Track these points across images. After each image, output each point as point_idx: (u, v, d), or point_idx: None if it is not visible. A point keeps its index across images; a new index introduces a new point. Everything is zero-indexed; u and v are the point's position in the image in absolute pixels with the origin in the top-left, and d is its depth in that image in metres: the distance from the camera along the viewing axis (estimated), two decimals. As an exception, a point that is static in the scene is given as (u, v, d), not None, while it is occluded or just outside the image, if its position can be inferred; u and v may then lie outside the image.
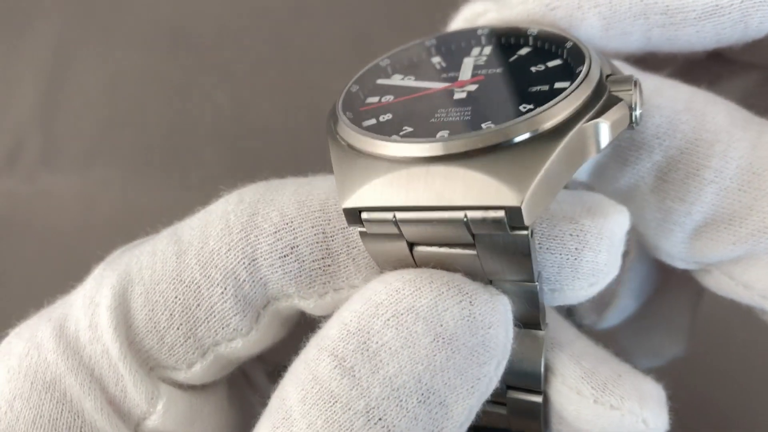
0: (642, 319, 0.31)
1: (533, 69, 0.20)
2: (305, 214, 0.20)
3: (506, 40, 0.22)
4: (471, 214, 0.16)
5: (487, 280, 0.18)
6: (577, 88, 0.18)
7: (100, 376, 0.20)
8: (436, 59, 0.23)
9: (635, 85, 0.18)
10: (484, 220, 0.16)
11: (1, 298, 0.42)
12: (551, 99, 0.17)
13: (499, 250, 0.17)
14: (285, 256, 0.20)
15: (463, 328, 0.17)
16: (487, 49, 0.22)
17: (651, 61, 0.24)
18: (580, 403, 0.20)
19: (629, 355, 0.32)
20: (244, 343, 0.21)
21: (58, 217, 0.47)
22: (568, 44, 0.20)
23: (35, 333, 0.20)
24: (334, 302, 0.20)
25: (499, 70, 0.21)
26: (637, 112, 0.18)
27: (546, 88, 0.19)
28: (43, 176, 0.49)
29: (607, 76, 0.19)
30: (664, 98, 0.21)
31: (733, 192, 0.21)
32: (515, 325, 0.18)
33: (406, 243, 0.18)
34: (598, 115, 0.17)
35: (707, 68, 0.27)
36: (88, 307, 0.20)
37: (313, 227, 0.20)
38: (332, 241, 0.20)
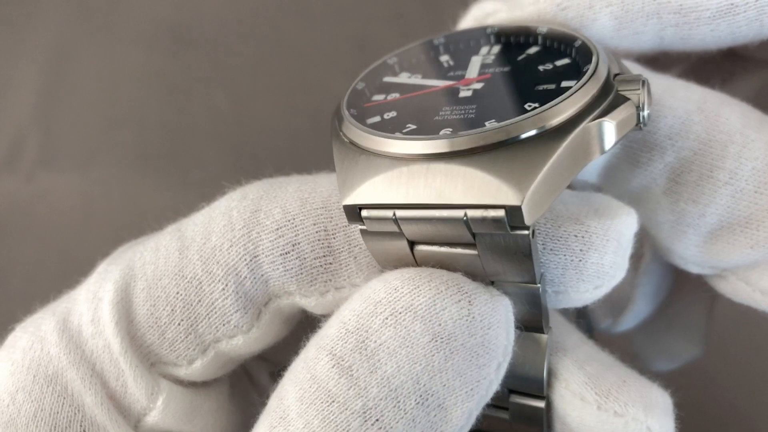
0: (657, 322, 0.31)
1: (541, 68, 0.20)
2: (307, 212, 0.20)
3: (515, 39, 0.22)
4: (471, 213, 0.16)
5: (488, 280, 0.18)
6: (582, 86, 0.17)
7: (102, 371, 0.20)
8: (444, 57, 0.22)
9: (643, 84, 0.18)
10: (484, 220, 0.16)
11: (1, 298, 0.42)
12: (558, 97, 0.17)
13: (499, 251, 0.17)
14: (286, 254, 0.20)
15: (462, 328, 0.17)
16: (496, 48, 0.22)
17: (663, 59, 0.23)
18: (584, 409, 0.20)
19: (645, 358, 0.32)
20: (245, 340, 0.21)
21: (57, 217, 0.47)
22: (577, 43, 0.20)
23: (40, 326, 0.20)
24: (336, 301, 0.20)
25: (506, 69, 0.20)
26: (645, 113, 0.18)
27: (553, 86, 0.19)
28: (43, 176, 0.49)
29: (615, 75, 0.18)
30: (677, 99, 0.21)
31: (749, 194, 0.20)
32: (516, 327, 0.18)
33: (406, 241, 0.18)
34: (604, 114, 0.17)
35: (721, 65, 0.27)
36: (91, 302, 0.20)
37: (314, 224, 0.20)
38: (334, 239, 0.20)
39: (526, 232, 0.16)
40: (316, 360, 0.17)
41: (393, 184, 0.17)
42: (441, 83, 0.21)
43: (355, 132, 0.19)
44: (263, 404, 0.18)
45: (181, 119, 0.49)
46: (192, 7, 0.53)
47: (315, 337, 0.18)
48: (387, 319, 0.17)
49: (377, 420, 0.16)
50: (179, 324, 0.20)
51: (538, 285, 0.18)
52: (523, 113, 0.17)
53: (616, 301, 0.29)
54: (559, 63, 0.20)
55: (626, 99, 0.18)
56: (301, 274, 0.20)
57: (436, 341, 0.16)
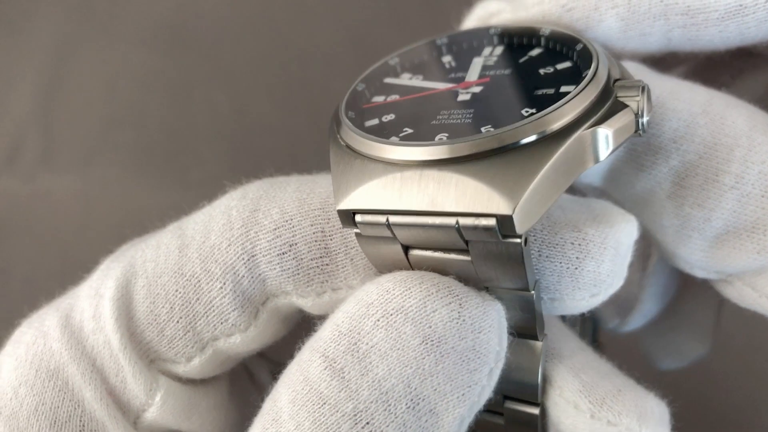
0: (665, 321, 0.31)
1: (542, 71, 0.20)
2: (305, 212, 0.20)
3: (518, 40, 0.21)
4: (462, 220, 0.16)
5: (482, 286, 0.18)
6: (580, 92, 0.17)
7: (102, 367, 0.20)
8: (446, 58, 0.22)
9: (643, 91, 0.17)
10: (475, 228, 0.16)
11: (1, 298, 0.42)
12: (555, 103, 0.17)
13: (492, 258, 0.17)
14: (283, 254, 0.20)
15: (452, 331, 0.16)
16: (498, 50, 0.22)
17: (670, 58, 0.23)
18: (577, 417, 0.19)
19: (652, 358, 0.31)
20: (242, 338, 0.21)
21: (57, 217, 0.47)
22: (579, 46, 0.20)
23: (43, 322, 0.21)
24: (332, 302, 0.20)
25: (506, 72, 0.20)
26: (644, 119, 0.17)
27: (552, 91, 0.18)
28: (43, 176, 0.49)
29: (615, 80, 0.18)
30: (681, 101, 0.20)
31: (756, 198, 0.20)
32: (509, 333, 0.18)
33: (400, 246, 0.18)
34: (602, 121, 0.17)
35: (729, 63, 0.26)
36: (92, 298, 0.20)
37: (312, 225, 0.20)
38: (331, 240, 0.20)
39: (518, 240, 0.16)
40: (309, 362, 0.17)
41: (387, 189, 0.17)
42: (441, 86, 0.21)
43: (351, 136, 0.19)
44: (262, 403, 0.18)
45: (181, 119, 0.49)
46: (192, 7, 0.53)
47: (310, 339, 0.18)
48: (378, 320, 0.17)
49: (367, 423, 0.16)
50: (178, 321, 0.20)
51: (532, 292, 0.18)
52: (520, 119, 0.17)
53: (624, 301, 0.29)
54: (560, 66, 0.20)
55: (625, 106, 0.17)
56: (298, 274, 0.20)
57: (427, 344, 0.16)
